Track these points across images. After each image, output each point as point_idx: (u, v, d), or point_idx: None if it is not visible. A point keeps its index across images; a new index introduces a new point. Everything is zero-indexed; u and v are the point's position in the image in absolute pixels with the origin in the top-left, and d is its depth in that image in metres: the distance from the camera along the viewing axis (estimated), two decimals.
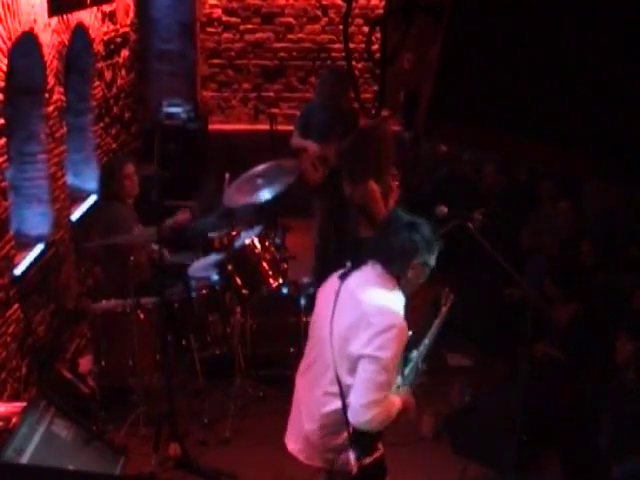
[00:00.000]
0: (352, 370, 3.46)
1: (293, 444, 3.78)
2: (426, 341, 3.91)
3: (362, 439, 3.54)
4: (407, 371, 3.81)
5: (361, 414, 3.44)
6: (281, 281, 5.84)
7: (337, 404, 3.53)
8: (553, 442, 5.14)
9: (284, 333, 5.96)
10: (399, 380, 3.72)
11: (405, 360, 3.77)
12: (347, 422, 3.51)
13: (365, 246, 3.88)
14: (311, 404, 3.66)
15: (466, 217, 4.98)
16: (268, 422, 5.50)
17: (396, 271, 3.52)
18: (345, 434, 3.55)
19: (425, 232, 3.55)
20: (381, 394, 3.44)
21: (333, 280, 3.67)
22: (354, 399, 3.44)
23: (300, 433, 3.72)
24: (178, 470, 5.07)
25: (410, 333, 3.57)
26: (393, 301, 3.50)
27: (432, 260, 3.58)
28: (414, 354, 3.85)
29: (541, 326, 5.31)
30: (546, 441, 5.15)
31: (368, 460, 3.60)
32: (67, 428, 4.01)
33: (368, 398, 3.41)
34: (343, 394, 3.50)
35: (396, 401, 3.59)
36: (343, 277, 3.61)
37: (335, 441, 3.60)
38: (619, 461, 4.47)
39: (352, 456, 3.54)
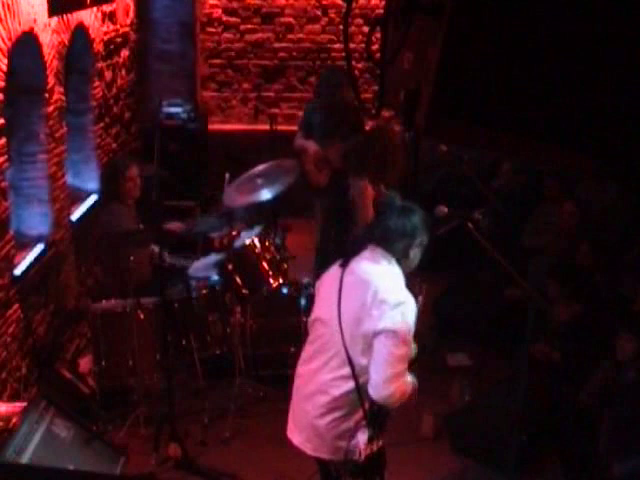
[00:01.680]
0: (366, 350, 3.50)
1: (298, 436, 3.77)
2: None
3: (377, 417, 3.58)
4: None
5: (384, 388, 3.48)
6: (281, 281, 5.84)
7: (349, 385, 3.56)
8: (553, 442, 5.15)
9: (284, 333, 5.96)
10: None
11: None
12: (361, 402, 3.55)
13: (363, 231, 3.94)
14: (320, 390, 3.66)
15: (466, 217, 4.98)
16: (268, 422, 5.51)
17: (398, 253, 3.61)
18: (356, 416, 3.59)
19: (420, 215, 3.68)
20: (401, 366, 3.51)
21: (334, 269, 3.73)
22: (375, 375, 3.48)
23: (305, 423, 3.72)
24: (178, 470, 5.08)
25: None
26: (399, 278, 3.59)
27: (426, 239, 3.70)
28: None
29: (541, 326, 5.31)
30: (546, 441, 5.15)
31: (378, 443, 3.64)
32: (67, 428, 4.01)
33: (390, 371, 3.47)
34: (356, 375, 3.53)
35: (412, 379, 3.65)
36: (344, 264, 3.67)
37: (345, 425, 3.61)
38: (619, 461, 4.47)
39: (363, 439, 3.58)
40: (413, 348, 3.66)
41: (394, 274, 3.59)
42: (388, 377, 3.47)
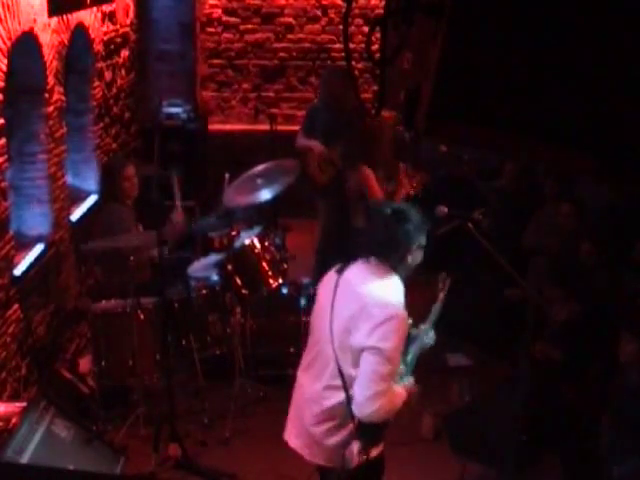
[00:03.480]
0: (356, 362, 3.48)
1: (294, 440, 3.78)
2: (425, 326, 3.94)
3: (368, 430, 3.55)
4: (409, 359, 3.82)
5: (366, 406, 3.45)
6: (281, 281, 5.84)
7: (340, 397, 3.54)
8: (553, 442, 5.14)
9: (284, 333, 5.96)
10: (402, 369, 3.73)
11: (406, 348, 3.77)
12: (351, 414, 3.51)
13: (357, 240, 3.91)
14: (313, 399, 3.66)
15: (466, 217, 4.98)
16: (268, 422, 5.50)
17: (394, 262, 3.56)
18: (349, 427, 3.56)
19: (413, 217, 3.58)
20: (385, 385, 3.46)
21: (331, 275, 3.70)
22: (358, 392, 3.45)
23: (302, 429, 3.72)
24: (178, 470, 5.07)
25: (410, 321, 3.63)
26: (392, 291, 3.52)
27: (424, 239, 3.62)
28: (414, 334, 3.86)
29: (541, 326, 5.31)
30: (546, 441, 5.15)
31: (374, 452, 3.62)
32: (67, 428, 4.01)
33: (372, 390, 3.43)
34: (346, 386, 3.50)
35: (400, 391, 3.62)
36: (340, 271, 3.64)
37: (339, 434, 3.59)
38: (619, 461, 4.47)
39: (356, 449, 3.55)
40: (402, 361, 3.64)
41: (387, 285, 3.53)
42: (371, 395, 3.43)
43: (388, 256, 3.54)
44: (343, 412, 3.55)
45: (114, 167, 6.21)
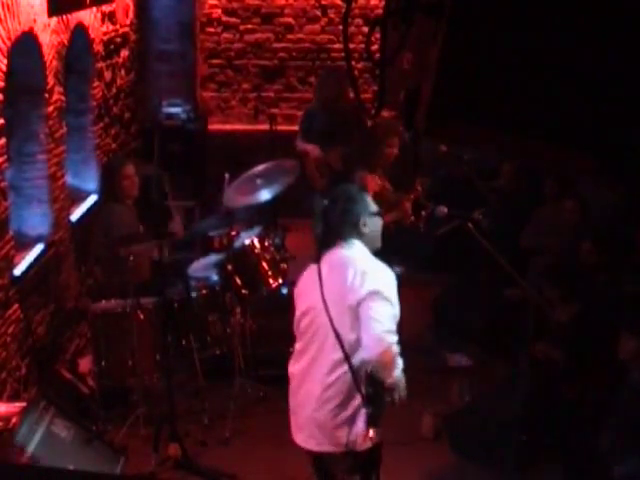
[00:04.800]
0: (354, 324, 3.56)
1: (301, 435, 3.79)
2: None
3: (374, 398, 3.58)
4: None
5: (376, 345, 3.51)
6: (281, 281, 5.83)
7: (342, 368, 3.59)
8: (553, 442, 5.14)
9: (284, 333, 5.92)
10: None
11: None
12: (357, 386, 3.57)
13: (320, 235, 4.13)
14: (312, 382, 3.69)
15: (466, 217, 4.98)
16: (268, 422, 5.51)
17: (355, 236, 3.76)
18: (354, 403, 3.60)
19: (346, 192, 3.91)
20: (390, 325, 3.56)
21: (309, 268, 3.86)
22: (366, 336, 3.53)
23: (306, 419, 3.74)
24: (178, 470, 5.07)
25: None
26: (371, 256, 3.77)
27: (372, 207, 3.86)
28: None
29: (541, 326, 5.31)
30: (546, 441, 5.15)
31: (377, 432, 3.63)
32: (67, 428, 4.02)
33: (379, 329, 3.52)
34: (348, 356, 3.56)
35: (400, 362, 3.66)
36: (318, 259, 3.80)
37: (343, 414, 3.63)
38: (620, 461, 4.47)
39: (362, 426, 3.59)
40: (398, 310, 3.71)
41: (365, 252, 3.76)
42: (379, 334, 3.51)
43: (346, 233, 3.76)
44: (346, 387, 3.60)
45: (113, 166, 6.21)
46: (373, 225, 3.83)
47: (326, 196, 6.93)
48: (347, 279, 3.61)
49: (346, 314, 3.58)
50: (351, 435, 3.62)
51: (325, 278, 3.68)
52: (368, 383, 3.58)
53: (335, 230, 3.78)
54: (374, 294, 3.55)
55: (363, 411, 3.60)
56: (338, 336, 3.57)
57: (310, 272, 3.82)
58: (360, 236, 3.77)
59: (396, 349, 3.58)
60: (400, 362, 3.62)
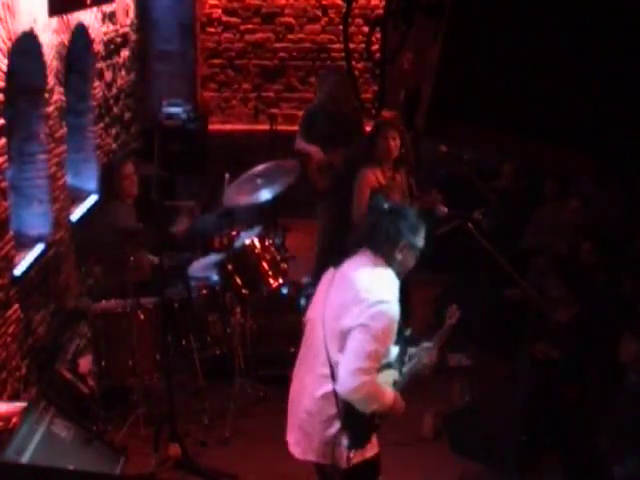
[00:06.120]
0: (342, 348, 3.51)
1: (289, 437, 3.79)
2: (427, 344, 3.92)
3: (354, 424, 3.54)
4: (405, 369, 3.82)
5: (347, 381, 3.46)
6: (281, 281, 5.83)
7: (328, 387, 3.55)
8: (553, 442, 5.14)
9: (284, 333, 5.95)
10: (397, 376, 3.73)
11: (402, 358, 3.80)
12: (337, 409, 3.52)
13: (355, 234, 3.97)
14: (305, 391, 3.68)
15: (466, 217, 4.98)
16: (268, 422, 5.50)
17: (385, 255, 3.63)
18: (339, 423, 3.55)
19: (408, 216, 3.70)
20: (369, 363, 3.46)
21: (329, 271, 3.78)
22: (342, 367, 3.48)
23: (295, 424, 3.74)
24: (178, 470, 5.07)
25: (409, 331, 3.73)
26: (384, 279, 3.61)
27: (419, 242, 3.69)
28: (413, 352, 3.87)
29: (541, 326, 5.31)
30: (546, 441, 5.15)
31: (369, 453, 3.60)
32: (67, 428, 4.01)
33: (355, 365, 3.44)
34: (334, 375, 3.52)
35: (389, 391, 3.62)
36: (337, 265, 3.72)
37: (329, 430, 3.58)
38: (619, 461, 4.47)
39: (343, 446, 3.54)
40: (391, 351, 3.64)
41: (381, 275, 3.60)
42: (353, 370, 3.45)
43: (378, 247, 3.63)
44: (330, 404, 3.55)
45: (112, 165, 6.22)
46: (407, 259, 3.69)
47: (330, 198, 6.98)
48: (346, 300, 3.54)
49: (337, 336, 3.54)
50: (335, 453, 3.58)
51: (332, 291, 3.64)
52: (348, 408, 3.53)
53: (368, 240, 3.66)
54: (366, 328, 3.45)
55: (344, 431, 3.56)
56: (328, 355, 3.55)
57: (328, 277, 3.76)
58: (391, 259, 3.64)
59: (373, 387, 3.50)
60: (382, 395, 3.56)
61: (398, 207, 3.77)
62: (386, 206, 3.73)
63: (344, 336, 3.50)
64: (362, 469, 3.63)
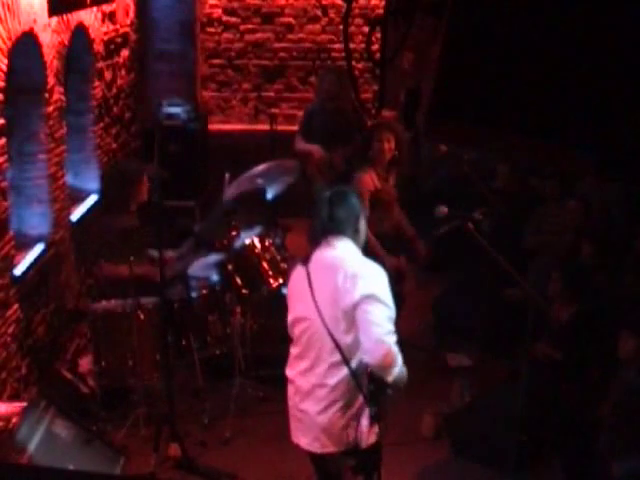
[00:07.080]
0: (349, 327, 3.59)
1: (304, 439, 3.80)
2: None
3: (375, 397, 3.61)
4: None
5: (377, 350, 3.52)
6: (281, 281, 5.82)
7: (343, 372, 3.63)
8: (553, 442, 5.14)
9: (284, 333, 5.92)
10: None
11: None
12: (359, 387, 3.60)
13: (313, 230, 4.02)
14: (314, 386, 3.71)
15: (466, 217, 4.98)
16: (268, 422, 5.50)
17: (347, 235, 3.77)
18: (357, 403, 3.64)
19: (346, 193, 3.89)
20: (388, 326, 3.56)
21: (297, 271, 3.85)
22: (366, 340, 3.54)
23: (309, 423, 3.75)
24: (178, 470, 5.07)
25: None
26: (358, 253, 3.77)
27: (362, 208, 3.94)
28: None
29: (541, 326, 5.31)
30: (546, 441, 5.15)
31: (373, 435, 3.66)
32: (67, 428, 4.02)
33: (379, 331, 3.53)
34: (346, 358, 3.59)
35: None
36: (305, 262, 3.79)
37: (348, 414, 3.66)
38: (620, 460, 4.47)
39: (366, 423, 3.62)
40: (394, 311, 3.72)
41: (354, 251, 3.75)
42: (377, 338, 3.52)
43: (343, 230, 3.75)
44: (348, 388, 3.63)
45: (129, 173, 5.97)
46: (363, 227, 3.87)
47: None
48: (338, 283, 3.61)
49: (340, 317, 3.60)
50: (357, 433, 3.66)
51: (315, 282, 3.69)
52: (369, 382, 3.61)
53: (334, 226, 3.76)
54: (369, 297, 3.55)
55: (367, 409, 3.63)
56: (335, 340, 3.60)
57: (299, 274, 3.81)
58: (356, 234, 3.79)
59: (396, 349, 3.59)
60: (399, 359, 3.62)
61: (335, 190, 3.92)
62: (328, 194, 3.88)
63: (349, 316, 3.58)
64: (375, 450, 3.71)
